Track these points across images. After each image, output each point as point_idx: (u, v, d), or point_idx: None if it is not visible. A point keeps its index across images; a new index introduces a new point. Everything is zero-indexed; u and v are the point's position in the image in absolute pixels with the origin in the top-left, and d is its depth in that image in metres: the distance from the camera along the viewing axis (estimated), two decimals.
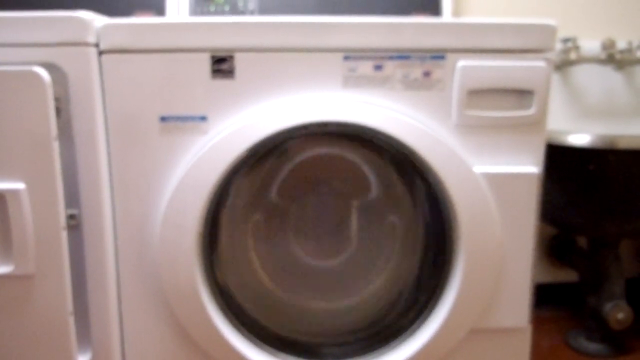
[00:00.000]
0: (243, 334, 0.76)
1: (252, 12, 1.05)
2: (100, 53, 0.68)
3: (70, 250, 0.69)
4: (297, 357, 0.78)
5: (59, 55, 0.66)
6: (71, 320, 0.69)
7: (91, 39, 0.66)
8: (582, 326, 1.12)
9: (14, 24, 0.65)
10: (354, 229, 0.80)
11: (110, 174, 0.70)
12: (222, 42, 0.67)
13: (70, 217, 0.69)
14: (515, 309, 0.75)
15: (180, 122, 0.69)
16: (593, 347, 1.06)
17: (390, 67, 0.69)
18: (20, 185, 0.65)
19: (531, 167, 0.72)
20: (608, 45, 1.14)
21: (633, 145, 0.89)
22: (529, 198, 0.72)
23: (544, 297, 1.30)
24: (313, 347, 0.80)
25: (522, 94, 0.71)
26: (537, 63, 0.69)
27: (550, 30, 0.69)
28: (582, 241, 1.23)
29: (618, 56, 1.15)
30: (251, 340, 0.76)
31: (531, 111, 0.70)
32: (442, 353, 0.75)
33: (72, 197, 0.69)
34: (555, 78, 1.21)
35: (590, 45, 1.19)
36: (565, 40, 1.15)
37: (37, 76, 0.63)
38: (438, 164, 0.69)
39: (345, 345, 0.81)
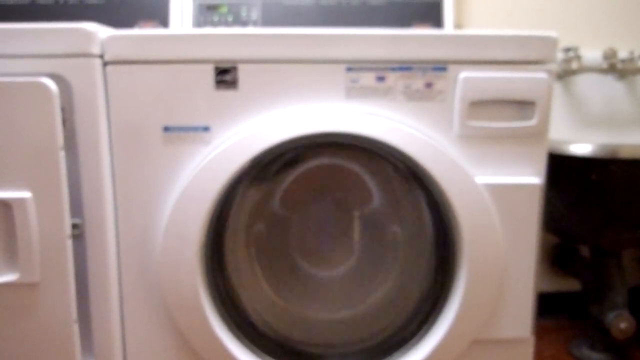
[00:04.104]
0: (245, 344, 0.76)
1: (255, 23, 1.06)
2: (105, 64, 0.68)
3: (73, 259, 0.70)
4: None
5: (63, 66, 0.66)
6: (75, 327, 0.69)
7: (96, 50, 0.67)
8: (584, 335, 1.12)
9: (20, 36, 0.66)
10: (356, 239, 0.80)
11: (114, 184, 0.71)
12: (225, 53, 0.68)
13: (74, 226, 0.70)
14: (518, 319, 0.75)
15: (183, 133, 0.69)
16: (596, 356, 1.06)
17: (392, 78, 0.70)
18: (26, 194, 0.66)
19: (533, 177, 0.72)
20: (609, 55, 1.14)
21: (635, 154, 0.89)
22: (531, 208, 0.72)
23: (547, 306, 1.30)
24: (315, 358, 0.80)
25: (523, 105, 0.71)
26: (539, 74, 0.70)
27: (551, 42, 0.70)
28: (584, 250, 1.23)
29: (619, 66, 1.15)
30: (253, 351, 0.76)
31: (533, 122, 0.71)
32: None
33: (75, 206, 0.70)
34: (557, 87, 1.21)
35: (592, 54, 1.19)
36: (567, 50, 1.15)
37: (44, 87, 0.64)
38: (440, 174, 0.69)
39: (347, 356, 0.81)
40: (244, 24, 1.06)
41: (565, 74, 1.17)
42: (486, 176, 0.72)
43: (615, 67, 1.15)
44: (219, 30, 0.68)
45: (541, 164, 0.72)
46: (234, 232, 0.78)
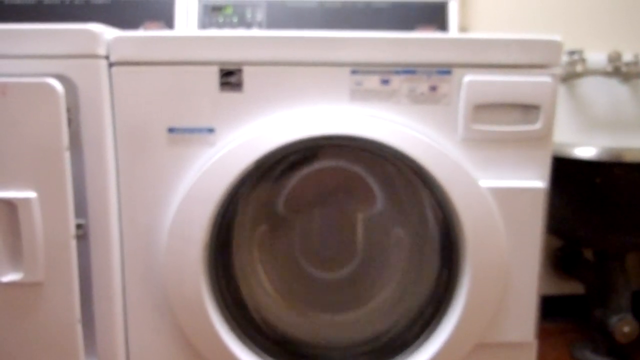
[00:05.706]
0: (248, 346, 0.76)
1: (259, 24, 1.06)
2: (110, 65, 0.68)
3: (77, 259, 0.70)
4: None
5: (69, 67, 0.67)
6: (79, 327, 0.69)
7: (101, 51, 0.67)
8: (588, 339, 1.11)
9: (26, 37, 0.66)
10: (360, 241, 0.80)
11: (118, 184, 0.71)
12: (230, 55, 0.68)
13: (78, 226, 0.70)
14: (521, 323, 0.75)
15: (188, 134, 0.70)
16: None
17: (396, 81, 0.70)
18: (31, 194, 0.66)
19: (537, 181, 0.72)
20: (614, 58, 1.14)
21: (639, 158, 0.88)
22: (535, 212, 0.72)
23: (550, 309, 1.29)
24: (318, 359, 0.80)
25: (528, 109, 0.71)
26: (543, 78, 0.70)
27: (555, 46, 0.70)
28: (588, 253, 1.22)
29: (624, 69, 1.15)
30: (256, 352, 0.76)
31: (537, 126, 0.71)
32: None
33: (80, 206, 0.70)
34: (561, 90, 1.21)
35: (596, 57, 1.19)
36: (571, 53, 1.15)
37: (50, 88, 0.64)
38: (444, 177, 0.69)
39: (350, 358, 0.81)
40: (249, 25, 1.06)
41: (569, 77, 1.17)
42: (490, 180, 0.72)
43: (619, 70, 1.15)
44: (224, 32, 0.68)
45: (545, 168, 0.72)
46: (238, 234, 0.78)
